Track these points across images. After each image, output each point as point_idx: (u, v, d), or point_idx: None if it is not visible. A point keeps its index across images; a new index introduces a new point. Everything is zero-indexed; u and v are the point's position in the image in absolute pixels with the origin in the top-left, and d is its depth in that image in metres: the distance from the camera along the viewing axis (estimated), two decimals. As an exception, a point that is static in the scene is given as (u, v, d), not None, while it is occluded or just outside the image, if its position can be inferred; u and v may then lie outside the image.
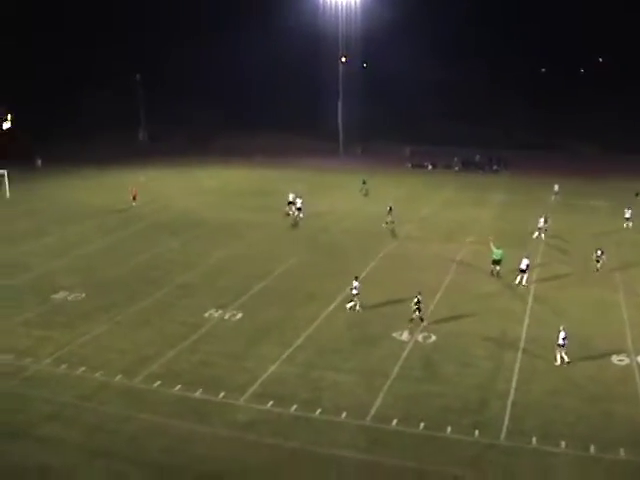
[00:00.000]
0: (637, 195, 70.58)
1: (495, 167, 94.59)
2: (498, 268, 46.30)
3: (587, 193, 75.48)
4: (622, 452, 26.30)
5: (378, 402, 29.77)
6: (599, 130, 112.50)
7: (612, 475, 25.17)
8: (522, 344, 35.92)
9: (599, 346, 35.65)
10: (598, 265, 47.90)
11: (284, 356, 34.10)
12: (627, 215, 60.98)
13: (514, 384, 31.63)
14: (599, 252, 48.06)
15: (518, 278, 45.30)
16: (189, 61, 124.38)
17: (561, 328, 33.25)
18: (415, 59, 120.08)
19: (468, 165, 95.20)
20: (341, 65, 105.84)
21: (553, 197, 72.49)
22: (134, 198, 66.80)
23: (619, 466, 25.66)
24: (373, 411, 29.04)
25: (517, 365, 33.54)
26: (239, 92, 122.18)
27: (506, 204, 71.77)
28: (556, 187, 73.52)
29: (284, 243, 54.60)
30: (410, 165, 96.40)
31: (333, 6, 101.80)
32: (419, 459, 25.73)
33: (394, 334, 36.84)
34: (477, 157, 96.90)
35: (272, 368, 32.81)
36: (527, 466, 25.57)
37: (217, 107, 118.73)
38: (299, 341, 35.88)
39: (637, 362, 34.02)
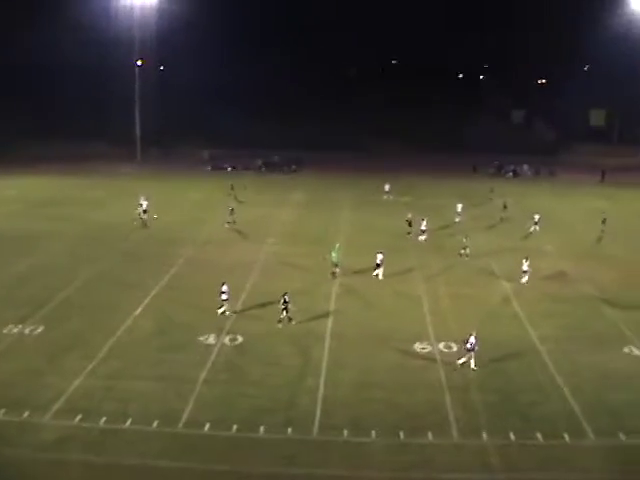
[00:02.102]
0: (491, 191, 74.52)
1: (294, 167, 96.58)
2: (337, 270, 47.18)
3: (397, 191, 77.53)
4: (430, 436, 27.75)
5: (189, 408, 29.68)
6: (396, 128, 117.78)
7: (422, 457, 26.49)
8: (328, 340, 36.92)
9: (403, 336, 37.39)
10: (465, 251, 51.54)
11: (89, 369, 33.18)
12: (458, 210, 64.20)
13: (323, 379, 32.45)
14: (464, 239, 51.83)
15: (375, 272, 46.77)
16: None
17: (473, 334, 33.69)
18: (213, 61, 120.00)
19: (268, 166, 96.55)
20: (137, 69, 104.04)
21: (385, 196, 75.04)
22: None
23: (428, 449, 27.06)
24: (184, 417, 28.93)
25: (324, 361, 34.42)
26: (34, 98, 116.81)
27: (306, 204, 73.46)
28: (387, 187, 75.84)
29: (83, 253, 52.91)
30: (210, 168, 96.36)
31: (128, 8, 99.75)
32: (233, 461, 25.89)
33: (200, 338, 36.76)
34: (276, 158, 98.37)
35: (77, 382, 31.85)
36: (340, 458, 26.35)
37: (10, 114, 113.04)
38: (103, 352, 35.02)
39: (438, 349, 35.92)
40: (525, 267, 45.89)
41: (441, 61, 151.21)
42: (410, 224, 57.50)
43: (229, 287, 40.04)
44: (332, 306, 42.15)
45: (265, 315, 40.06)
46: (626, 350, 36.34)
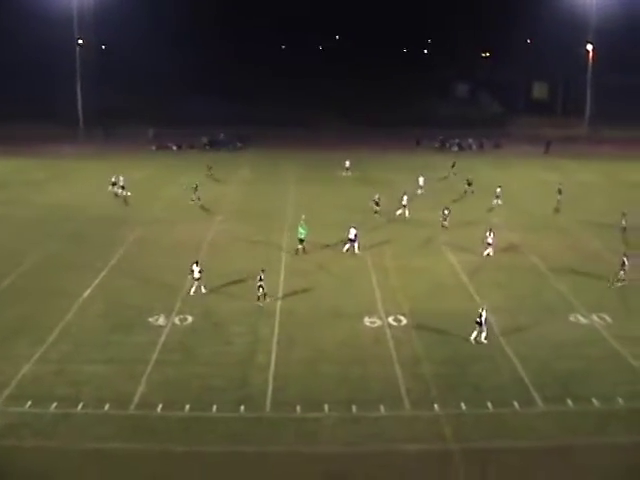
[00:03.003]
0: (453, 166, 74.52)
1: (239, 144, 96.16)
2: (301, 246, 47.00)
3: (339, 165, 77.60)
4: (382, 408, 28.00)
5: (140, 390, 29.48)
6: (342, 105, 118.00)
7: (375, 429, 26.68)
8: (278, 317, 36.95)
9: (351, 310, 37.63)
10: (446, 222, 52.82)
11: (38, 354, 32.73)
12: (420, 183, 64.89)
13: (273, 357, 32.48)
14: (446, 211, 52.91)
15: (346, 246, 47.06)
16: None
17: (484, 307, 33.87)
18: (156, 40, 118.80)
19: (214, 144, 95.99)
20: (78, 48, 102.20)
21: (344, 173, 75.08)
22: None
23: (381, 421, 27.28)
24: (136, 399, 28.72)
25: (274, 338, 34.43)
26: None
27: (253, 181, 73.48)
28: (347, 163, 75.65)
29: (27, 236, 51.99)
30: (154, 147, 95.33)
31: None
32: (187, 441, 25.82)
33: (150, 319, 36.49)
34: (221, 135, 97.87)
35: (26, 367, 31.41)
36: (294, 434, 26.45)
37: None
38: (52, 337, 34.56)
39: (388, 323, 36.22)
40: (490, 240, 46.44)
41: (385, 36, 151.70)
42: (377, 203, 57.43)
43: (201, 266, 39.94)
44: (282, 283, 42.07)
45: (214, 294, 39.97)
46: (572, 319, 37.02)
